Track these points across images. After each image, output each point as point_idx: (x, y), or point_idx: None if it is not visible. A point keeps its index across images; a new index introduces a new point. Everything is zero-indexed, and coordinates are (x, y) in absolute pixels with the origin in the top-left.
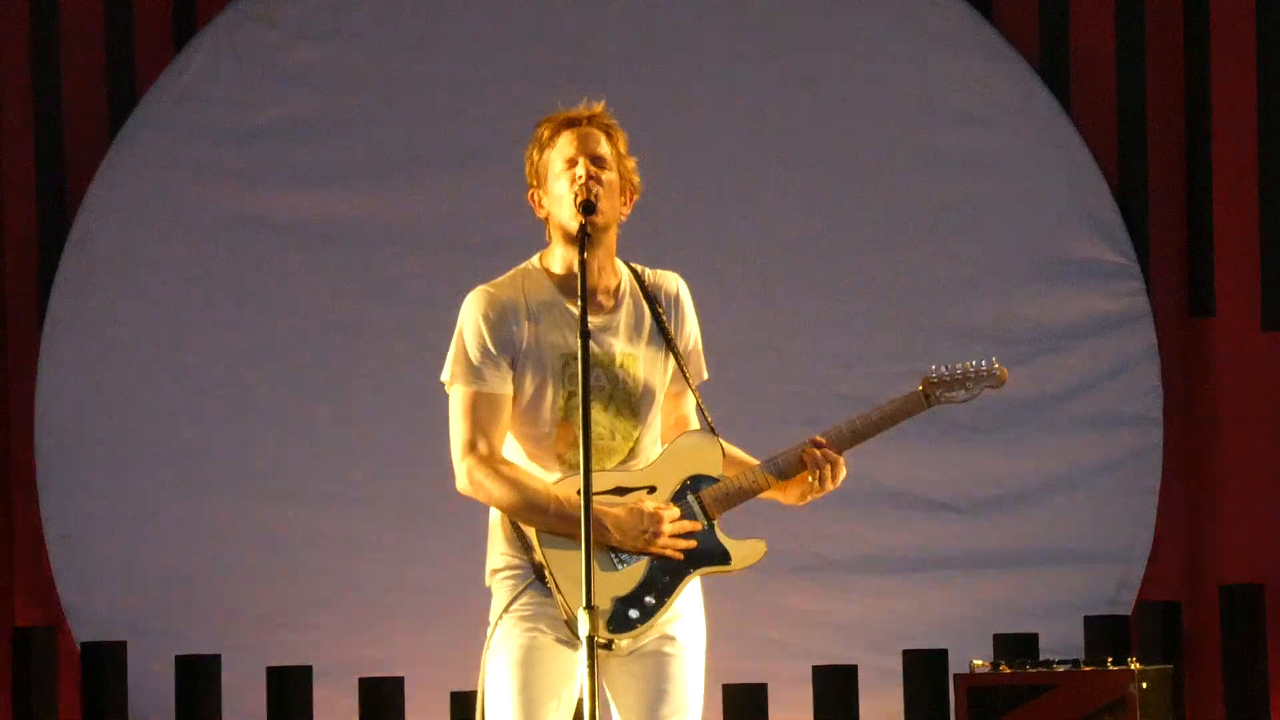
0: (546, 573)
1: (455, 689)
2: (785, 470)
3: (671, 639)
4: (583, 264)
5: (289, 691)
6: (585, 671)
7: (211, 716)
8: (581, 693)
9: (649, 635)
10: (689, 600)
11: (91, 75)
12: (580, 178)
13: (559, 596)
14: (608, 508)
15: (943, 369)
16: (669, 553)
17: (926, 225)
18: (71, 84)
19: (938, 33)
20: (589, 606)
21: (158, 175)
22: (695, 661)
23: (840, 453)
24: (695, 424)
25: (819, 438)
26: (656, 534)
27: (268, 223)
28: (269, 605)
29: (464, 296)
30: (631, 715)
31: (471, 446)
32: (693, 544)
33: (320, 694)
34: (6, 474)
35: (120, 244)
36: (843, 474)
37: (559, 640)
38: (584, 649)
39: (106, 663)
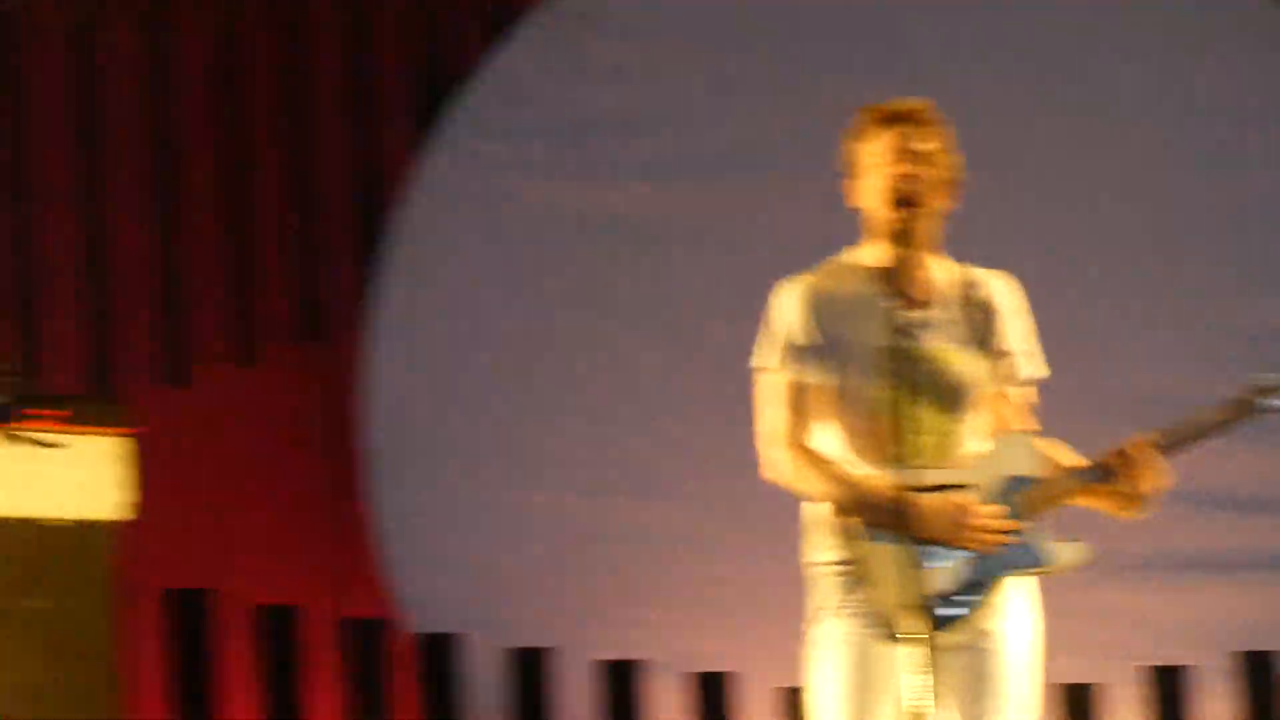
0: (864, 567)
1: (785, 684)
2: (1102, 475)
3: (989, 634)
4: (898, 258)
5: (619, 685)
6: (906, 670)
7: (542, 710)
8: (901, 690)
9: (964, 634)
10: (1014, 598)
11: (405, 73)
12: (894, 176)
13: (875, 592)
14: (918, 498)
15: (1267, 376)
16: (980, 546)
17: (1236, 224)
18: (384, 84)
19: (1243, 32)
20: (912, 607)
21: (475, 173)
22: (1019, 659)
23: (1158, 457)
24: (1016, 424)
25: (1140, 439)
26: (966, 526)
27: (587, 219)
28: (599, 599)
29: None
30: (952, 711)
31: (780, 433)
32: (1007, 540)
33: (650, 688)
34: (341, 466)
35: (440, 241)
36: (1162, 481)
37: (880, 637)
38: (908, 647)
39: (445, 655)
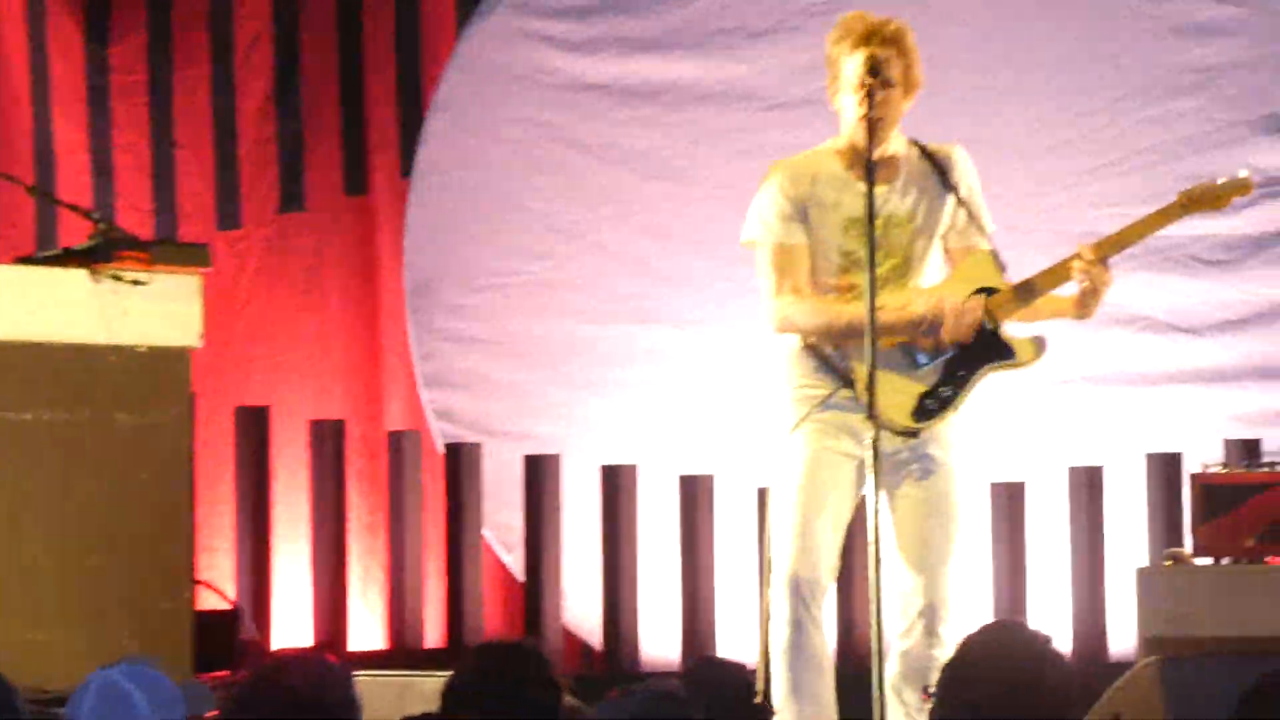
0: (855, 379)
1: (760, 486)
2: (1063, 273)
3: (937, 460)
4: (867, 147)
5: (618, 487)
6: (867, 480)
7: (553, 508)
8: (859, 498)
9: (941, 428)
10: (959, 435)
11: None
12: (864, 96)
13: (865, 396)
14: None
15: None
16: (967, 338)
17: (1169, 86)
18: None
19: None
20: (905, 405)
21: (509, 47)
22: (963, 481)
23: (1105, 259)
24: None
25: (1085, 248)
26: (961, 321)
27: (602, 86)
28: (601, 412)
29: (772, 148)
30: (903, 526)
31: (779, 289)
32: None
33: (644, 489)
34: (381, 301)
35: (477, 105)
36: (1108, 278)
37: (842, 454)
38: (868, 457)
39: (465, 461)
